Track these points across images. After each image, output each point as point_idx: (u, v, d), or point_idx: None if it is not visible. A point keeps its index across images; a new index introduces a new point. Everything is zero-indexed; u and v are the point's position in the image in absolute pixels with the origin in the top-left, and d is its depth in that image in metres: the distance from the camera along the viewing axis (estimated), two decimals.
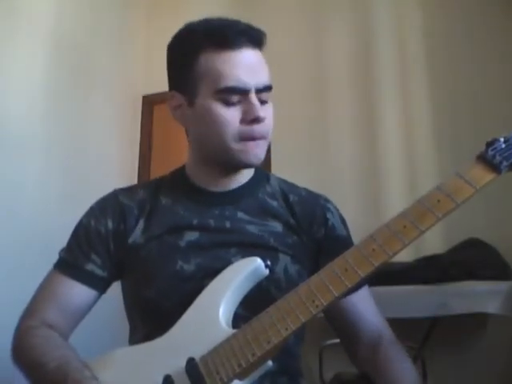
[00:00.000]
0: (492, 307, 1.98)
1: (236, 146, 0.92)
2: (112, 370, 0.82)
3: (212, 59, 0.90)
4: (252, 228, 0.96)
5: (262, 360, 0.77)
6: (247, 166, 0.96)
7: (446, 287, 2.11)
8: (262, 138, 0.93)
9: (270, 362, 0.78)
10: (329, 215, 1.02)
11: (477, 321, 2.26)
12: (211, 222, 0.96)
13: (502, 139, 0.79)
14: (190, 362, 0.79)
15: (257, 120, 0.90)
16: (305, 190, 1.07)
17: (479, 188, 0.76)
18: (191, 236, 0.95)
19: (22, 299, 1.00)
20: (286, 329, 0.76)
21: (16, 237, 2.16)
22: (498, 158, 0.77)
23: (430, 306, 2.04)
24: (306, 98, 2.98)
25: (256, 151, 0.93)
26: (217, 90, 0.89)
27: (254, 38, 0.91)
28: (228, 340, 0.79)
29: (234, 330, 0.81)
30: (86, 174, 2.68)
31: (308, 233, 0.99)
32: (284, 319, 0.76)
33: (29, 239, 2.18)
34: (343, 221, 1.06)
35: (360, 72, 2.86)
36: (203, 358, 0.79)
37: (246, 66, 0.89)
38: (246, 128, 0.91)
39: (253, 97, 0.90)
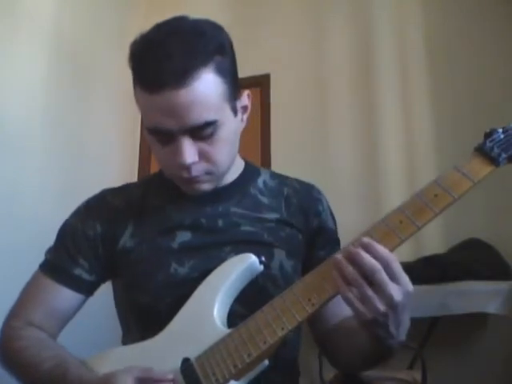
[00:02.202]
0: (492, 307, 1.98)
1: (176, 181, 0.91)
2: (107, 370, 0.81)
3: (139, 96, 0.83)
4: (245, 224, 0.94)
5: (258, 360, 0.76)
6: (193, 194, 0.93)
7: (446, 287, 2.11)
8: (199, 178, 0.87)
9: (266, 362, 0.77)
10: (320, 208, 1.02)
11: (477, 321, 2.26)
12: (203, 221, 0.94)
13: (500, 130, 0.77)
14: (186, 363, 0.78)
15: (181, 167, 0.84)
16: (296, 180, 1.06)
17: (477, 181, 0.74)
18: (184, 237, 0.92)
19: None
20: (282, 328, 0.75)
21: (15, 237, 2.16)
22: (496, 150, 0.75)
23: (430, 306, 2.04)
24: (306, 97, 2.98)
25: (195, 187, 0.90)
26: (145, 127, 0.85)
27: (174, 79, 0.78)
28: (223, 340, 0.78)
29: (229, 330, 0.80)
30: (85, 174, 2.67)
31: (302, 225, 0.98)
32: (280, 318, 0.76)
33: (28, 239, 2.18)
34: (332, 213, 1.06)
35: (360, 72, 2.86)
36: (198, 358, 0.78)
37: (165, 110, 0.79)
38: (177, 172, 0.87)
39: (180, 139, 0.82)
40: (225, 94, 0.83)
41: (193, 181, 0.88)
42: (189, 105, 0.79)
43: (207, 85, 0.80)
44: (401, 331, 0.73)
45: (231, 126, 0.87)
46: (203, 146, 0.84)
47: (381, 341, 0.74)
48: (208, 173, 0.88)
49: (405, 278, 0.70)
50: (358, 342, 0.81)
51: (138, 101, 0.85)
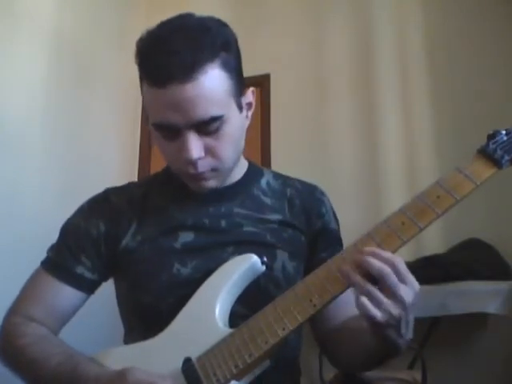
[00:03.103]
0: (492, 307, 1.98)
1: (183, 177, 0.91)
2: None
3: (146, 92, 0.83)
4: (248, 225, 0.94)
5: (259, 360, 0.76)
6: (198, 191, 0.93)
7: (446, 287, 2.10)
8: (205, 175, 0.87)
9: (267, 362, 0.77)
10: (324, 209, 1.02)
11: (477, 321, 2.26)
12: (206, 221, 0.93)
13: (503, 131, 0.77)
14: (187, 363, 0.78)
15: (187, 162, 0.84)
16: (298, 181, 1.06)
17: (480, 183, 0.74)
18: (186, 237, 0.92)
19: None
20: (284, 329, 0.75)
21: (15, 236, 2.16)
22: (499, 152, 0.74)
23: (430, 306, 2.04)
24: (306, 97, 2.98)
25: (201, 184, 0.90)
26: (151, 123, 0.85)
27: (180, 72, 0.78)
28: (225, 340, 0.78)
29: (231, 330, 0.80)
30: (85, 174, 2.67)
31: (305, 226, 0.98)
32: (281, 319, 0.75)
33: (28, 239, 2.18)
34: (334, 214, 1.05)
35: (360, 72, 2.86)
36: (200, 358, 0.78)
37: (171, 104, 0.79)
38: (183, 167, 0.87)
39: (186, 134, 0.82)
40: (230, 89, 0.84)
41: (199, 177, 0.88)
42: (195, 99, 0.79)
43: (213, 80, 0.80)
44: (409, 330, 0.73)
45: (237, 122, 0.87)
46: (209, 141, 0.84)
47: (390, 341, 0.74)
48: (214, 169, 0.88)
49: (412, 278, 0.70)
50: (364, 342, 0.80)
51: (144, 97, 0.85)
